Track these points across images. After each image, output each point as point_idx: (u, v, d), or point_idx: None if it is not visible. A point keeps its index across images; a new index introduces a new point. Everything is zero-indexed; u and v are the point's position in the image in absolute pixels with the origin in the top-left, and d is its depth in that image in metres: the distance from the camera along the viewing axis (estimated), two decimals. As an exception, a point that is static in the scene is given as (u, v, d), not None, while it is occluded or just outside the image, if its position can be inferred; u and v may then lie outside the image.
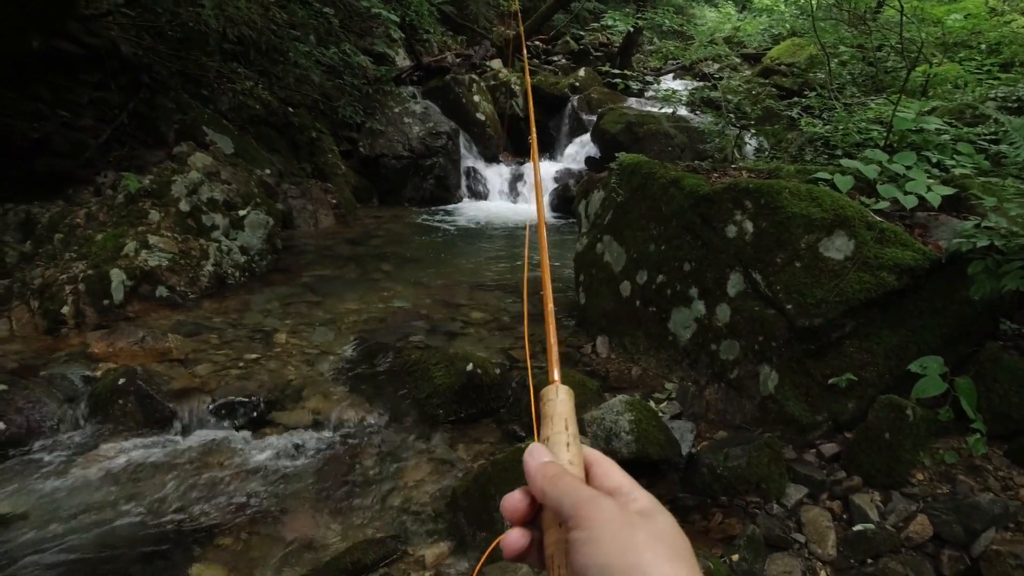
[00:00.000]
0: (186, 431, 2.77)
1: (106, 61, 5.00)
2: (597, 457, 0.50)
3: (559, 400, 0.52)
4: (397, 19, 7.11)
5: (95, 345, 3.32)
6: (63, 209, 4.32)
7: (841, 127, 3.95)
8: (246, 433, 2.78)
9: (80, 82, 4.93)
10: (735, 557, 2.01)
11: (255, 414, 2.87)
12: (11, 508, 2.28)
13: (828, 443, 2.46)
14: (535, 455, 0.48)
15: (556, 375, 0.55)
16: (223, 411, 2.86)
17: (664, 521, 0.43)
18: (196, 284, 4.16)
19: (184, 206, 4.37)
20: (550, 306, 0.60)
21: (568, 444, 0.49)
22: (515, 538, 0.47)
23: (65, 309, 3.57)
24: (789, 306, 2.52)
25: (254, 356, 3.34)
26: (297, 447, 2.70)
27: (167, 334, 3.45)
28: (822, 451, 2.44)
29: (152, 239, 4.07)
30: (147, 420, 2.77)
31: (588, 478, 0.48)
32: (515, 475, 2.11)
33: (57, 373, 2.99)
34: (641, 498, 0.45)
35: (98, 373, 3.03)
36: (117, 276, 3.78)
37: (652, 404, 2.77)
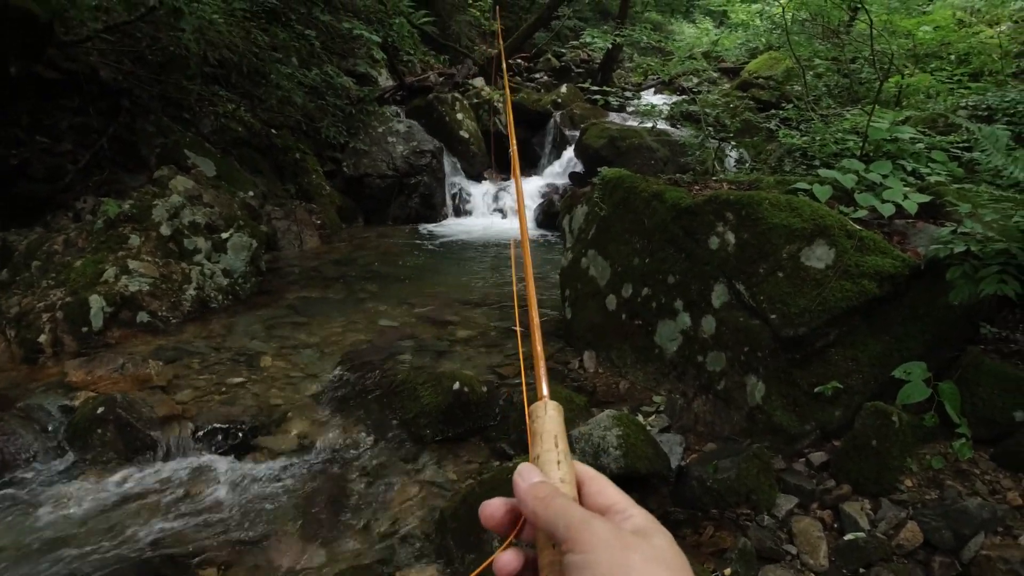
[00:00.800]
0: (167, 459, 2.72)
1: (85, 86, 4.98)
2: (590, 474, 0.48)
3: (548, 417, 0.51)
4: (379, 40, 7.16)
5: (73, 374, 3.25)
6: (41, 236, 4.26)
7: (818, 138, 4.02)
8: (230, 459, 2.72)
9: (59, 107, 4.90)
10: (727, 571, 1.99)
11: (239, 439, 2.82)
12: (-15, 545, 2.21)
13: (817, 452, 2.46)
14: (525, 476, 0.47)
15: (545, 391, 0.53)
16: (206, 437, 2.81)
17: (661, 540, 0.42)
18: (178, 308, 4.11)
19: (165, 230, 4.33)
20: (536, 319, 0.58)
21: (559, 462, 0.48)
22: (507, 560, 0.46)
23: (42, 338, 3.51)
24: (773, 316, 2.54)
25: (238, 380, 3.29)
26: (282, 472, 2.65)
27: (148, 360, 3.39)
28: (811, 460, 2.44)
29: (132, 264, 4.02)
30: (127, 449, 2.71)
31: (581, 496, 0.47)
32: (503, 494, 2.07)
33: (34, 404, 2.92)
34: (636, 515, 0.44)
35: (77, 402, 2.96)
36: (96, 302, 3.72)
37: (640, 418, 2.76)
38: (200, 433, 2.82)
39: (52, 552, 2.18)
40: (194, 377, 3.32)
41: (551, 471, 0.47)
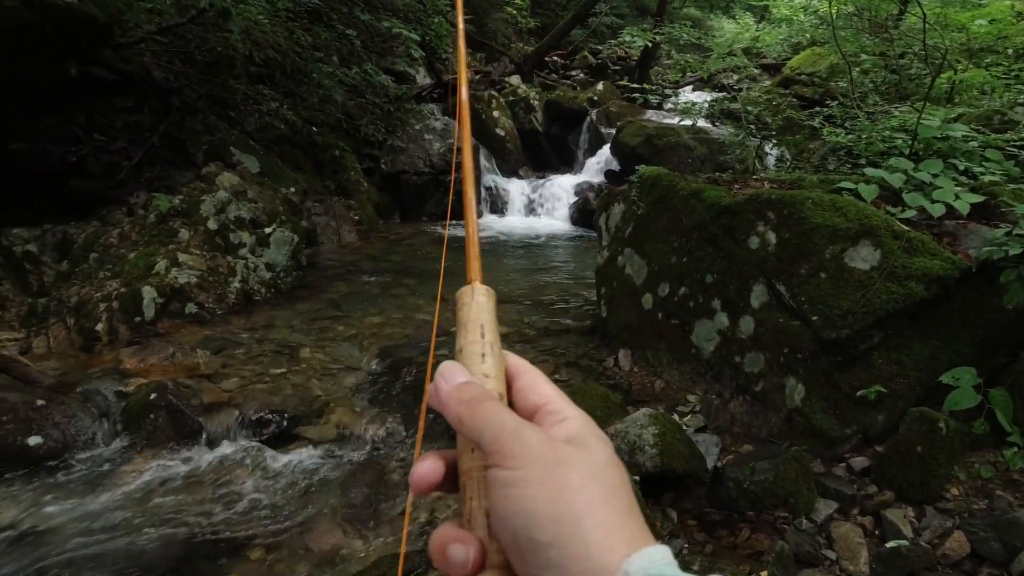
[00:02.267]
0: (214, 445, 2.83)
1: (139, 86, 5.19)
2: (522, 367, 0.43)
3: (475, 303, 0.43)
4: (418, 38, 7.25)
5: (127, 361, 3.41)
6: (97, 229, 4.47)
7: (864, 136, 3.91)
8: (273, 447, 2.82)
9: (114, 107, 5.12)
10: (764, 574, 1.98)
11: (281, 428, 2.92)
12: (46, 520, 2.34)
13: (858, 457, 2.41)
14: (447, 376, 0.40)
15: (475, 273, 0.45)
16: (250, 425, 2.91)
17: (600, 452, 0.37)
18: (223, 300, 4.25)
19: (212, 224, 4.48)
20: (470, 191, 0.51)
21: (483, 355, 0.41)
22: (426, 471, 0.39)
23: (99, 326, 3.68)
24: (815, 317, 2.49)
25: (280, 371, 3.40)
26: (323, 461, 2.73)
27: (196, 350, 3.53)
28: (852, 465, 2.39)
29: (182, 257, 4.18)
30: (177, 434, 2.83)
31: (510, 392, 0.42)
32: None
33: (92, 389, 3.08)
34: (572, 418, 0.39)
35: (130, 388, 3.11)
36: (148, 293, 3.88)
37: (676, 417, 2.75)
38: (245, 421, 2.92)
39: (106, 531, 2.30)
40: (239, 367, 3.44)
41: (474, 364, 0.41)
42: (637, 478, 2.20)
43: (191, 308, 4.05)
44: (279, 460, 2.72)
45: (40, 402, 2.82)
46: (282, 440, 2.86)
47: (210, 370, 3.37)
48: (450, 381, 0.40)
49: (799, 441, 2.49)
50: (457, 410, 0.38)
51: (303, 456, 2.75)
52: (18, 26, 3.73)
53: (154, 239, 4.26)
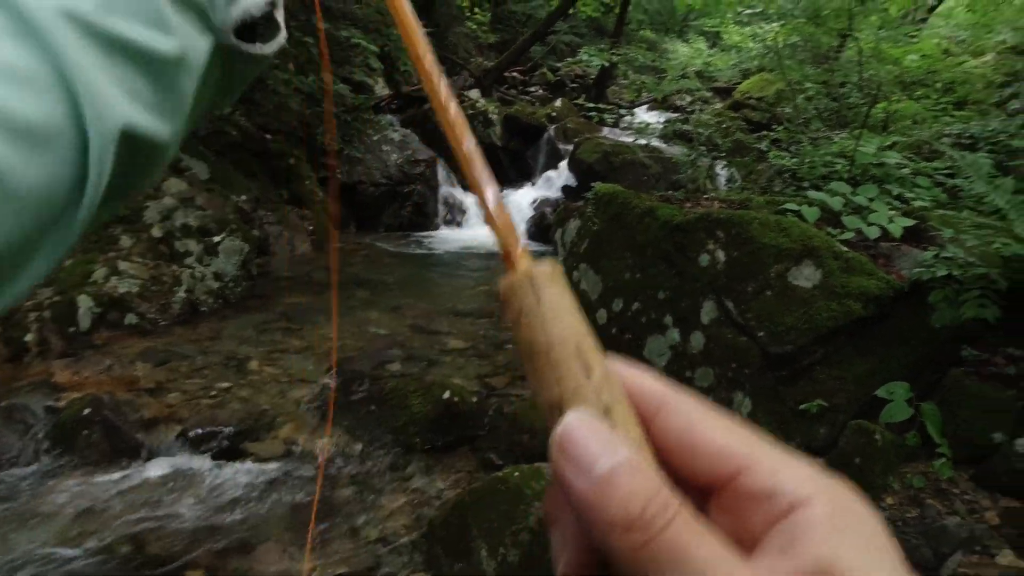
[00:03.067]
0: (154, 462, 2.69)
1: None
2: (656, 393, 0.23)
3: (544, 304, 0.23)
4: (376, 49, 7.21)
5: (60, 374, 3.22)
6: (30, 234, 4.23)
7: (807, 160, 4.10)
8: (216, 464, 2.71)
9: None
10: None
11: (226, 444, 2.81)
12: (-36, 546, 2.18)
13: (801, 469, 2.50)
14: (575, 455, 0.20)
15: (518, 249, 0.25)
16: (193, 441, 2.79)
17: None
18: (167, 311, 4.08)
19: (157, 232, 4.31)
20: (463, 136, 0.30)
21: (607, 409, 0.21)
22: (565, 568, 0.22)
23: (29, 337, 3.47)
24: (761, 333, 2.58)
25: (226, 384, 3.28)
26: (269, 477, 2.64)
27: (136, 362, 3.37)
28: (795, 477, 2.47)
29: (122, 265, 4.00)
30: (113, 451, 2.69)
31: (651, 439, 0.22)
32: (492, 504, 2.09)
33: (19, 403, 2.89)
34: (809, 500, 0.20)
35: (62, 403, 2.94)
36: (85, 303, 3.69)
37: (629, 431, 2.78)
38: (187, 437, 2.80)
39: (34, 555, 2.16)
40: (182, 380, 3.30)
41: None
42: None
43: (131, 319, 3.87)
44: (222, 477, 2.62)
45: (-41, 418, 2.63)
46: (227, 456, 2.75)
47: (151, 383, 3.22)
48: (586, 468, 0.20)
49: (746, 454, 2.56)
50: (608, 542, 0.19)
51: (248, 473, 2.65)
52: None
53: (93, 246, 4.06)
